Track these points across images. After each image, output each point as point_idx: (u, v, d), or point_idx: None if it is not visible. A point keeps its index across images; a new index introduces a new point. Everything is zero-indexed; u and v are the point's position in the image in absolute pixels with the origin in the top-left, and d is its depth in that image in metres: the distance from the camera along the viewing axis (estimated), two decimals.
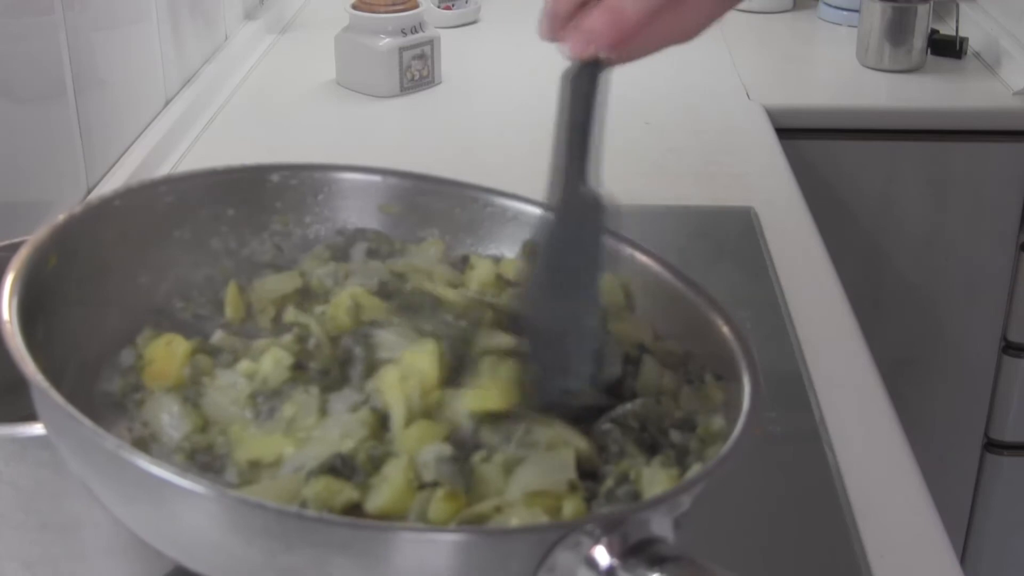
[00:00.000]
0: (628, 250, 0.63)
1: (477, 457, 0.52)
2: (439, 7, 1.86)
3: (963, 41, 1.75)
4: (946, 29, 1.77)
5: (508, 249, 0.65)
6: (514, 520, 0.49)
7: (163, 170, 1.34)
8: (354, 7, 1.57)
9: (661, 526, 0.46)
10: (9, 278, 0.54)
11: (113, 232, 0.60)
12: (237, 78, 1.64)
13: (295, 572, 0.45)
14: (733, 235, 1.19)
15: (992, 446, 1.70)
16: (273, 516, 0.45)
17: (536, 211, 0.64)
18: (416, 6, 1.58)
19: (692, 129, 1.48)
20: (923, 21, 1.71)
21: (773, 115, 1.55)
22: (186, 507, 0.46)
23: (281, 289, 0.62)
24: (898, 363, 1.59)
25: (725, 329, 0.58)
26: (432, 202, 0.66)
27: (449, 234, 0.66)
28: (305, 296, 0.62)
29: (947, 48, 1.75)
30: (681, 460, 0.54)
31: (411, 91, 1.58)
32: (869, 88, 1.70)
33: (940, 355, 1.71)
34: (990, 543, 1.73)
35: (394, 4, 1.56)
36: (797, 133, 1.57)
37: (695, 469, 0.53)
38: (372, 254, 0.64)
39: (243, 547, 0.46)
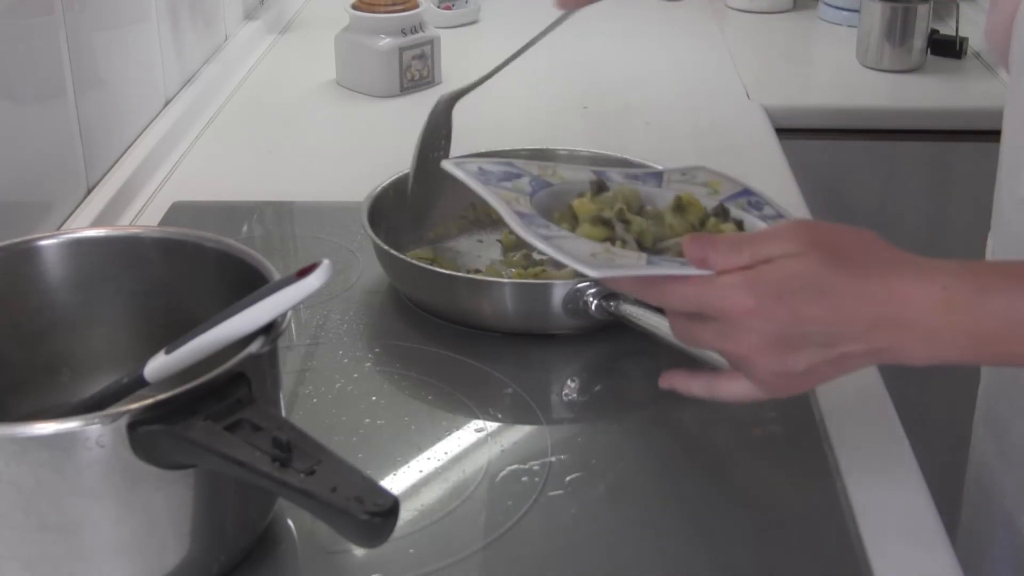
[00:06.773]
0: None
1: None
2: (439, 7, 1.87)
3: (963, 41, 1.75)
4: (946, 29, 1.77)
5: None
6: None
7: (163, 170, 1.35)
8: (354, 7, 1.57)
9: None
10: None
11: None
12: (237, 78, 1.64)
13: None
14: None
15: None
16: None
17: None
18: (416, 6, 1.58)
19: (692, 129, 1.48)
20: (923, 21, 1.71)
21: (773, 115, 1.55)
22: None
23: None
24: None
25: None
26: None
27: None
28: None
29: (947, 48, 1.75)
30: None
31: (411, 91, 1.59)
32: (869, 88, 1.70)
33: None
34: None
35: (394, 4, 1.56)
36: (797, 133, 1.57)
37: None
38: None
39: None
